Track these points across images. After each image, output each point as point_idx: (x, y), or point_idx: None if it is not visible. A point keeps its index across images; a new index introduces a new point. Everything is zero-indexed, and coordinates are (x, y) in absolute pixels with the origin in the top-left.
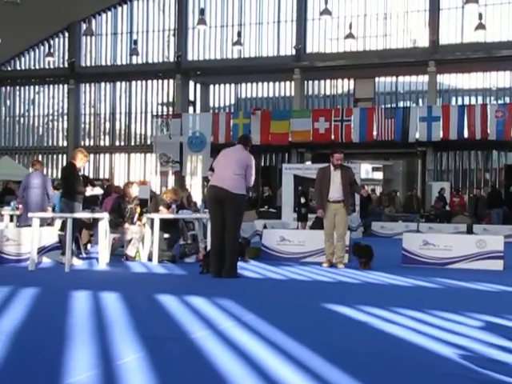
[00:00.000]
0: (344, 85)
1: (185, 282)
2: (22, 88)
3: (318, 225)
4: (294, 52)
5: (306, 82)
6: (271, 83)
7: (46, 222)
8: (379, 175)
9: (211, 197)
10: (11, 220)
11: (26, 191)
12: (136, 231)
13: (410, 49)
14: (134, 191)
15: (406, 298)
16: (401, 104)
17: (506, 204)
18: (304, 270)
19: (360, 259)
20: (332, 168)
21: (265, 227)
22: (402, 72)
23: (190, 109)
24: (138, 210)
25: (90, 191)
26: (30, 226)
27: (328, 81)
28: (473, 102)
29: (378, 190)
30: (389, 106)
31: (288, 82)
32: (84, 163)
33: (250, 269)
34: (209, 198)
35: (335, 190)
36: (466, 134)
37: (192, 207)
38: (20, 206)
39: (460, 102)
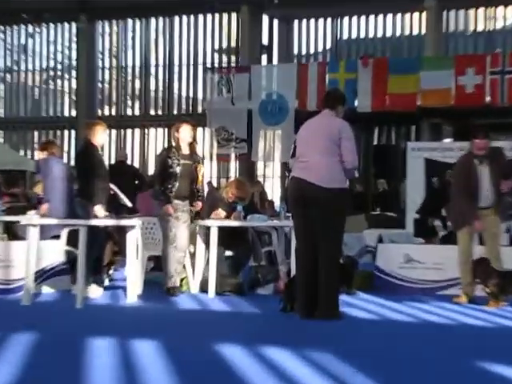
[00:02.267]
0: (507, 13)
1: (258, 326)
2: (8, 29)
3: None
4: None
5: (444, 13)
6: (389, 15)
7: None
8: None
9: (293, 196)
10: None
11: (49, 186)
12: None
13: None
14: None
15: None
16: None
17: None
18: (444, 307)
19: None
20: (476, 160)
21: (380, 241)
22: None
23: (264, 58)
24: None
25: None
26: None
27: (480, 10)
28: None
29: None
30: None
31: (416, 14)
32: (103, 140)
33: (358, 305)
34: (291, 197)
35: (484, 193)
36: None
37: (267, 209)
38: (43, 206)
39: None
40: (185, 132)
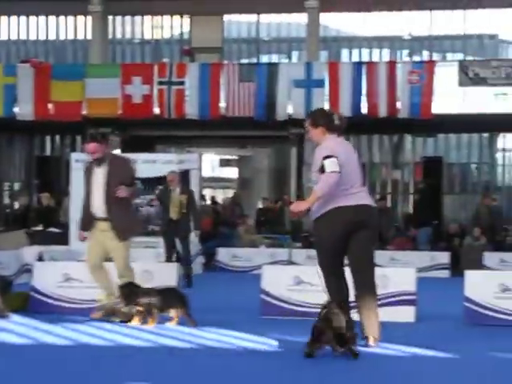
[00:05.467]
0: (174, 25)
1: None
2: None
3: None
4: None
5: (110, 18)
6: (52, 17)
7: None
8: (232, 172)
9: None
10: None
11: None
12: None
13: None
14: None
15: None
16: (264, 58)
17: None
18: (105, 328)
19: None
20: (94, 164)
21: (40, 259)
22: (266, 8)
23: None
24: None
25: None
26: None
27: (147, 17)
28: (375, 56)
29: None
30: (246, 61)
31: (81, 17)
32: None
33: (11, 329)
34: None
35: (97, 200)
36: (364, 109)
37: None
38: None
39: (356, 57)
40: None
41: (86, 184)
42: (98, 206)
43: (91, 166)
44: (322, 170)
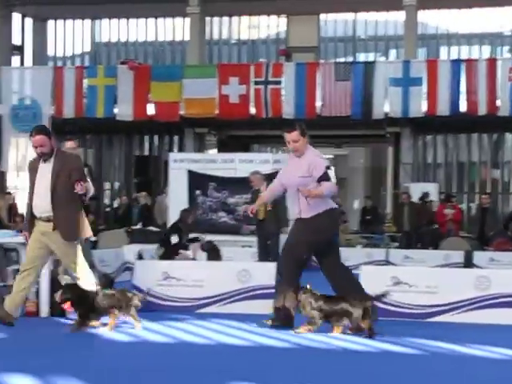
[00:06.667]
0: (270, 24)
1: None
2: None
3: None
4: None
5: (208, 19)
6: (151, 19)
7: None
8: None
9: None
10: None
11: None
12: None
13: None
14: None
15: None
16: (361, 57)
17: None
18: (205, 326)
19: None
20: (41, 160)
21: (140, 257)
22: (364, 6)
23: (15, 59)
24: None
25: None
26: None
27: (244, 18)
28: (474, 54)
29: None
30: (342, 59)
31: (179, 19)
32: None
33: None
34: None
35: (41, 199)
36: (463, 108)
37: (18, 224)
38: None
39: (454, 55)
40: None
41: (30, 182)
42: (42, 206)
43: (35, 162)
44: (325, 177)
